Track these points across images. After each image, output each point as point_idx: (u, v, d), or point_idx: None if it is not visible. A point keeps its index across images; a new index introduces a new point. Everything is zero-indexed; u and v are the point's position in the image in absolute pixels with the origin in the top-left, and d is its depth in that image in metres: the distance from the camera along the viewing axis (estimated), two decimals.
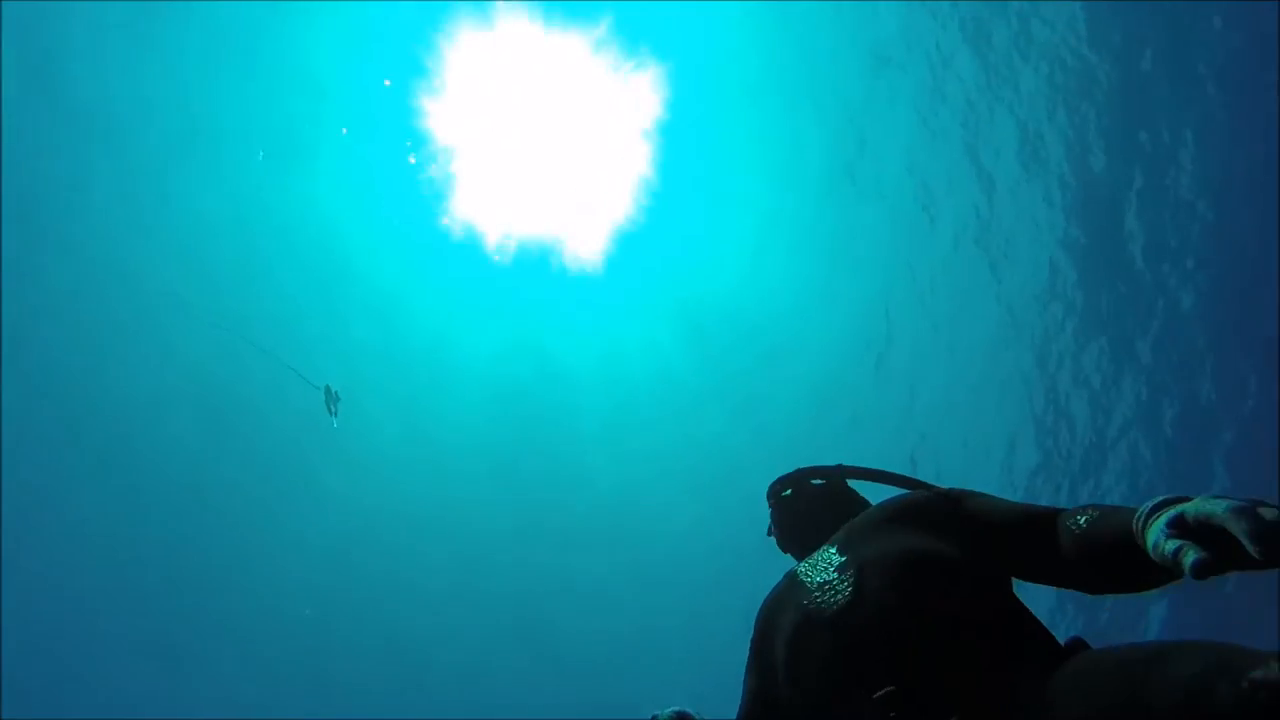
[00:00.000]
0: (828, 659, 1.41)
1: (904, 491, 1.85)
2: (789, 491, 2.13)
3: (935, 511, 1.63)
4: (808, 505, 2.07)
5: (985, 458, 17.92)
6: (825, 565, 1.59)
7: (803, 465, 2.20)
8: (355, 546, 20.16)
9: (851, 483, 2.16)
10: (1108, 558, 1.33)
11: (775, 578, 1.80)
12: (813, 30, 14.69)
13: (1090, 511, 1.42)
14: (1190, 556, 1.05)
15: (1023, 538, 1.51)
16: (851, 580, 1.48)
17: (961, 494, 1.69)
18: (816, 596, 1.51)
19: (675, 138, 15.52)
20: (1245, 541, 0.99)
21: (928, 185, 16.32)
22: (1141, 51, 13.59)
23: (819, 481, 2.13)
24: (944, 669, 1.27)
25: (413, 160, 14.85)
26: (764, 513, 2.22)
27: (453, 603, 21.09)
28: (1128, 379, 16.13)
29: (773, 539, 2.22)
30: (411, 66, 14.02)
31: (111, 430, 17.56)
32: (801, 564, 1.70)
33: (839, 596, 1.46)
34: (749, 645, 1.73)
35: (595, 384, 18.70)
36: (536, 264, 16.80)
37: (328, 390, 10.64)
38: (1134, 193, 14.68)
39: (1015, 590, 1.53)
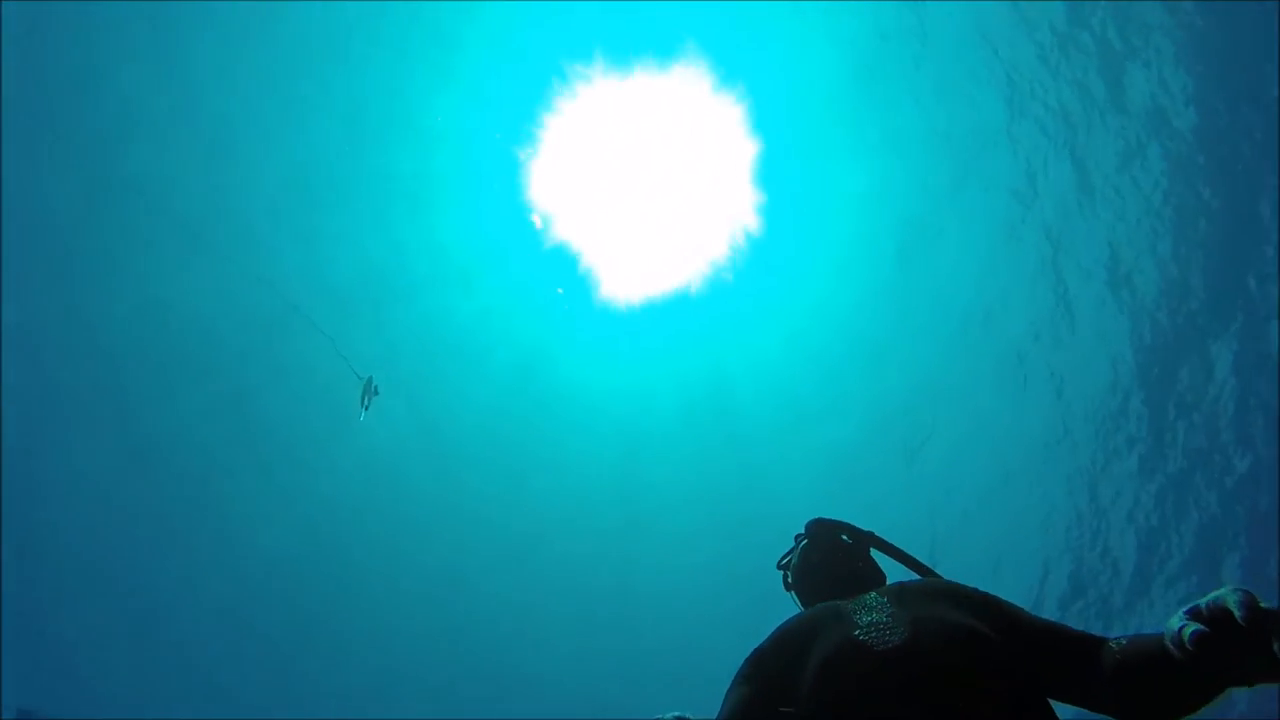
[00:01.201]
0: (867, 691, 1.48)
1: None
2: (830, 537, 2.19)
3: (983, 606, 1.69)
4: (832, 556, 2.13)
5: (1014, 576, 16.98)
6: (876, 608, 1.67)
7: (842, 519, 2.24)
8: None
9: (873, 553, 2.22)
10: (1143, 670, 1.42)
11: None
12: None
13: (1127, 638, 1.52)
14: (1191, 628, 1.20)
15: (1067, 653, 1.58)
16: (906, 630, 1.55)
17: (1007, 603, 1.74)
18: (868, 632, 1.58)
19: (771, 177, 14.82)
20: (1235, 609, 1.16)
21: (1000, 280, 15.41)
22: (1259, 196, 12.63)
23: (847, 539, 2.18)
24: None
25: (539, 224, 15.08)
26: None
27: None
28: (1187, 524, 15.21)
29: (779, 571, 2.35)
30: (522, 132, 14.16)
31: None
32: (848, 602, 1.75)
33: (892, 638, 1.54)
34: (751, 657, 1.77)
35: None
36: (655, 307, 16.36)
37: (369, 382, 10.36)
38: (1231, 337, 13.70)
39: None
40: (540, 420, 17.79)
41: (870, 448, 17.54)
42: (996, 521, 17.23)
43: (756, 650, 1.78)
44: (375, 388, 10.56)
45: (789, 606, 2.19)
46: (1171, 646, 1.27)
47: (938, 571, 2.11)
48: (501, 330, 16.71)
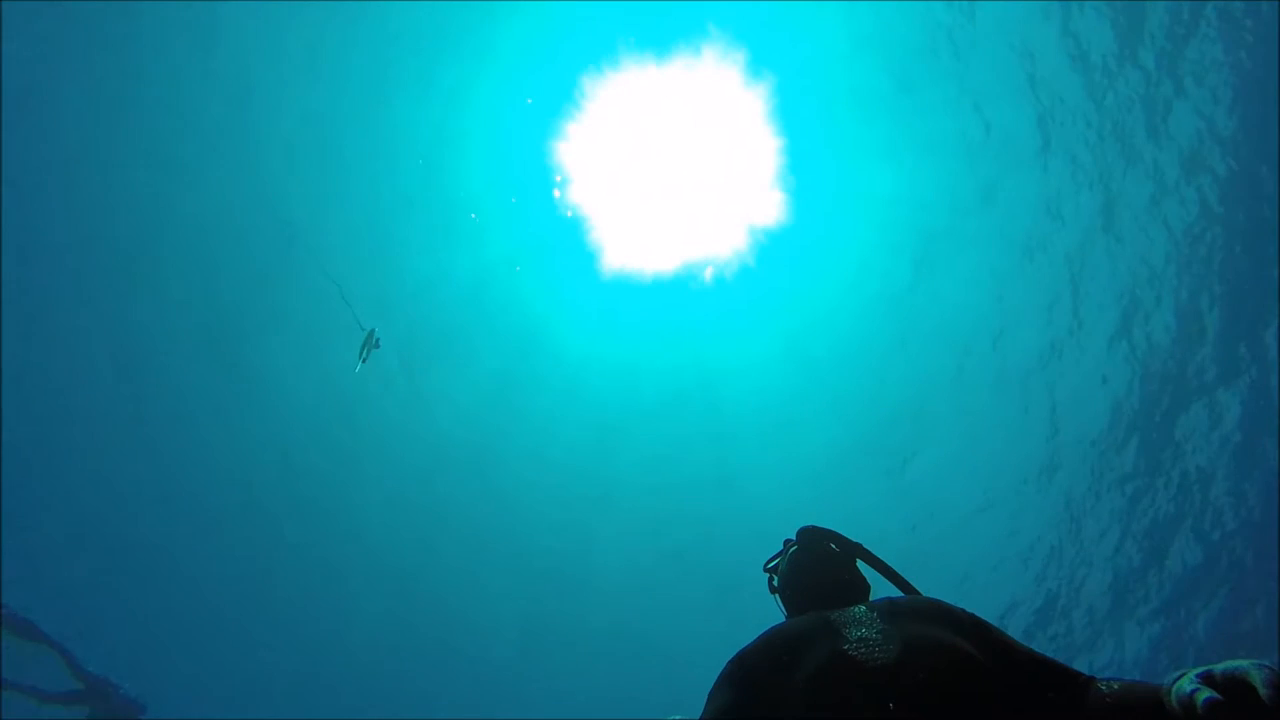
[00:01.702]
0: (855, 707, 1.45)
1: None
2: (807, 545, 2.20)
3: (973, 629, 1.68)
4: (821, 564, 2.13)
5: (983, 598, 17.00)
6: (866, 623, 1.66)
7: (834, 528, 2.25)
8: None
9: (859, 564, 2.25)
10: None
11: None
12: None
13: (1115, 684, 1.51)
14: (1204, 694, 1.17)
15: (1054, 686, 1.57)
16: (897, 648, 1.54)
17: (994, 627, 1.73)
18: (858, 648, 1.57)
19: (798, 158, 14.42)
20: (1260, 687, 1.12)
21: (1013, 302, 15.11)
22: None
23: (835, 548, 2.19)
24: None
25: (557, 194, 14.78)
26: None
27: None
28: (1167, 571, 15.13)
29: (764, 574, 2.35)
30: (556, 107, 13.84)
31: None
32: (835, 613, 1.75)
33: (882, 656, 1.53)
34: (736, 659, 1.76)
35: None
36: (682, 284, 16.04)
37: (370, 335, 10.38)
38: (1239, 390, 13.45)
39: None
40: (528, 384, 17.74)
41: (857, 456, 17.41)
42: (976, 543, 17.18)
43: (741, 653, 1.77)
44: (376, 340, 10.57)
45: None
46: (1177, 706, 1.25)
47: (916, 589, 2.13)
48: (508, 287, 16.57)
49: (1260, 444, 13.83)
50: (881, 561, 2.19)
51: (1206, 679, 1.21)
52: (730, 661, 1.76)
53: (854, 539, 2.23)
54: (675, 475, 18.63)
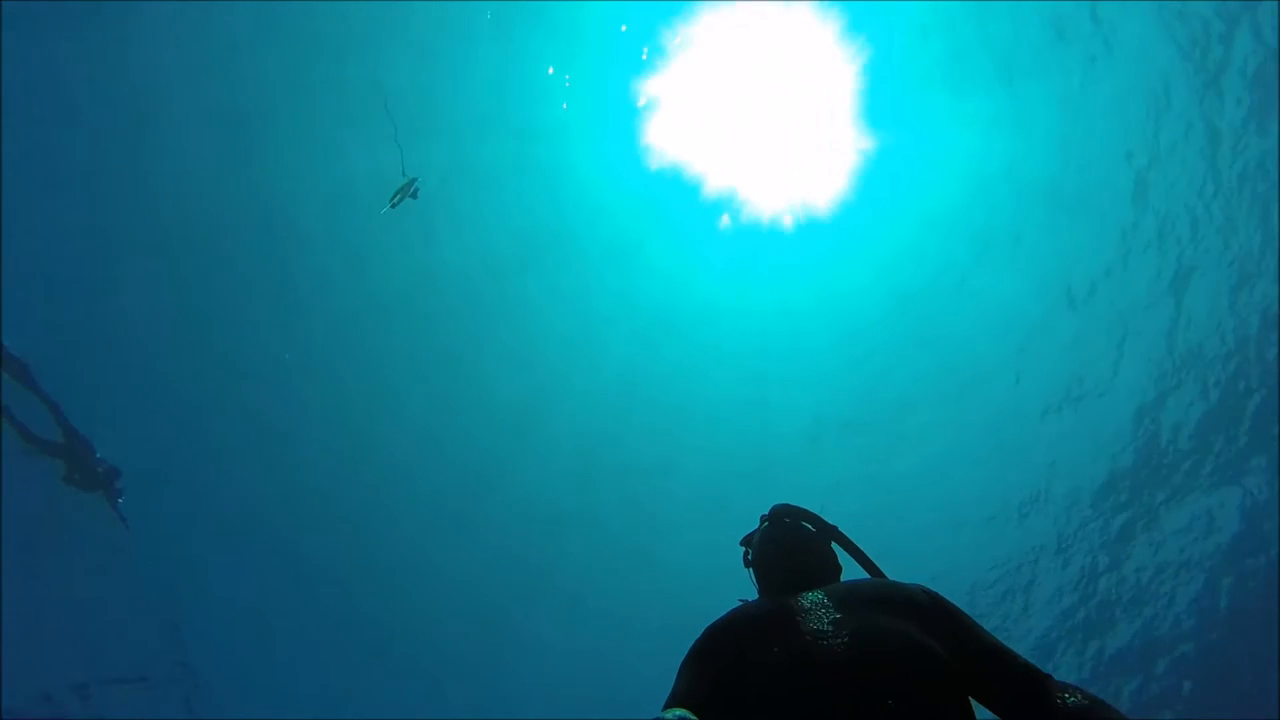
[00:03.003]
0: (803, 700, 1.49)
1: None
2: (787, 522, 2.22)
3: (931, 613, 1.70)
4: (792, 543, 2.13)
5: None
6: (820, 615, 1.68)
7: (809, 508, 2.27)
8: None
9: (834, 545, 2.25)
10: None
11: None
12: None
13: (1078, 695, 1.54)
14: None
15: (1011, 680, 1.61)
16: (847, 640, 1.56)
17: (956, 610, 1.75)
18: (812, 640, 1.59)
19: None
20: None
21: (1052, 331, 14.41)
22: None
23: (809, 527, 2.20)
24: None
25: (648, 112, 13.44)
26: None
27: None
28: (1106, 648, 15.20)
29: (740, 550, 2.35)
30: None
31: None
32: (794, 604, 1.77)
33: (832, 646, 1.55)
34: (703, 636, 1.82)
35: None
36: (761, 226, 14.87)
37: (411, 183, 10.05)
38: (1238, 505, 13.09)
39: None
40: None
41: (837, 440, 16.80)
42: (931, 562, 16.87)
43: (710, 630, 1.84)
44: (415, 190, 10.25)
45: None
46: None
47: (884, 573, 2.15)
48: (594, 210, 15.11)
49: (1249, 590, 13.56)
50: (854, 545, 2.21)
51: None
52: (699, 638, 1.83)
53: (832, 522, 2.26)
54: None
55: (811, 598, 1.77)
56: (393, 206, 10.26)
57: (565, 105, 13.67)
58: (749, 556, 2.30)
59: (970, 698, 1.59)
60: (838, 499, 15.94)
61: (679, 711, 1.57)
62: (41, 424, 12.17)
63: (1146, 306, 13.22)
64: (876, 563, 2.20)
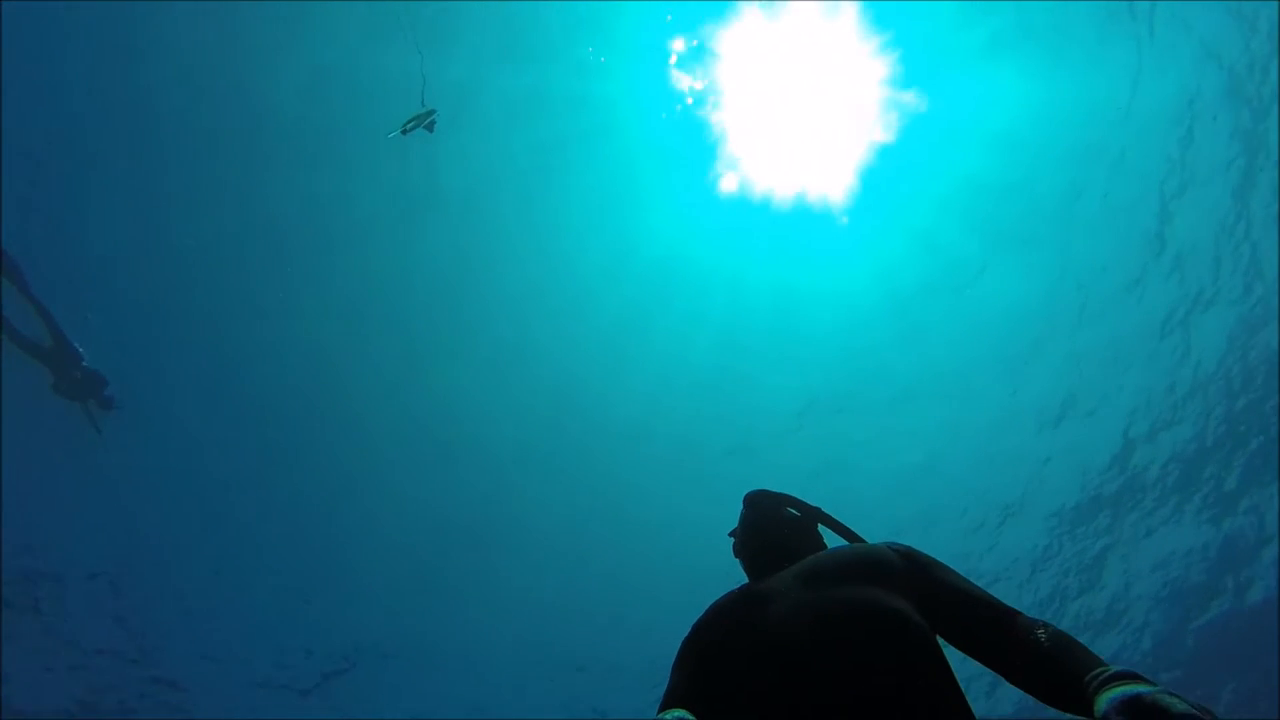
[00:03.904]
0: (777, 680, 1.50)
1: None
2: (761, 506, 2.22)
3: (901, 574, 1.70)
4: (776, 529, 2.13)
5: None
6: (783, 596, 1.70)
7: (790, 492, 2.26)
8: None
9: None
10: (1054, 688, 1.43)
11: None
12: None
13: (1049, 630, 1.53)
14: None
15: (982, 625, 1.61)
16: (810, 620, 1.57)
17: (928, 561, 1.76)
18: (778, 625, 1.61)
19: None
20: None
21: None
22: None
23: (794, 512, 2.20)
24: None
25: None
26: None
27: None
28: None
29: (730, 539, 2.33)
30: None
31: None
32: (762, 588, 1.79)
33: (798, 629, 1.56)
34: (690, 632, 1.84)
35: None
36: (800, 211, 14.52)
37: (430, 114, 9.52)
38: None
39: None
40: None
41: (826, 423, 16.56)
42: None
43: (696, 626, 1.87)
44: (432, 123, 9.77)
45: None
46: (1097, 718, 1.27)
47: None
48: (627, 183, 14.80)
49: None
50: (840, 524, 2.20)
51: (1133, 708, 1.21)
52: (688, 633, 1.86)
53: (814, 504, 2.25)
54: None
55: (782, 578, 1.79)
56: (404, 133, 9.88)
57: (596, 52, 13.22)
58: (735, 546, 2.30)
59: (947, 643, 1.62)
60: (818, 483, 16.02)
61: (677, 712, 1.57)
62: (32, 329, 12.10)
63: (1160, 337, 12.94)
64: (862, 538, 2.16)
